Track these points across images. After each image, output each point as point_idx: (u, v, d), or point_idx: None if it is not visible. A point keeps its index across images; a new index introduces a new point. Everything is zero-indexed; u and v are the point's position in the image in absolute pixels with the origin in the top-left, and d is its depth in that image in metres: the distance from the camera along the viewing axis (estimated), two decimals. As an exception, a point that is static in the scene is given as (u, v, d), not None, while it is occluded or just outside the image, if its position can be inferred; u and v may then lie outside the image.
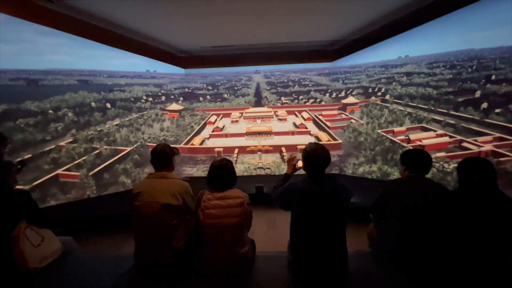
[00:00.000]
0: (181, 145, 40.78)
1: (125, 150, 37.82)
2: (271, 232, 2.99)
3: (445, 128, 39.02)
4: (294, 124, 54.15)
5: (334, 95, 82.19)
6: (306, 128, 48.88)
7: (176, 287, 1.79)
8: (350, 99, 60.54)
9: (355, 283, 1.75)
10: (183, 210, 1.91)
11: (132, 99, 79.69)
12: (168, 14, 1.35)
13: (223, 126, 54.83)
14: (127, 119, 53.13)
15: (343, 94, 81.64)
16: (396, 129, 43.28)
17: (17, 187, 2.07)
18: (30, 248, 1.83)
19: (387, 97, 65.71)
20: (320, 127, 49.96)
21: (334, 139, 39.70)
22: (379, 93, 77.96)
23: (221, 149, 37.45)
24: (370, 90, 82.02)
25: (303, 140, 43.73)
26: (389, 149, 33.59)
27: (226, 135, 46.67)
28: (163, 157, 2.05)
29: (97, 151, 35.66)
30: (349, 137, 42.60)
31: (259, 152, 37.26)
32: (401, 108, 52.05)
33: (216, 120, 60.28)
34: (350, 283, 1.75)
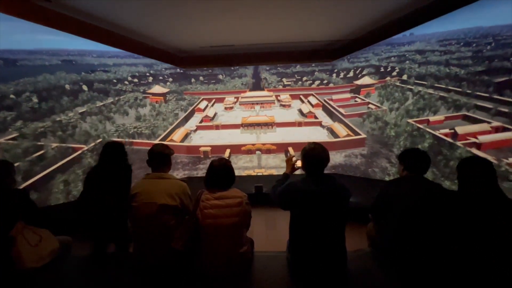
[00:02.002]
0: (157, 141, 29.64)
1: (81, 148, 26.52)
2: (270, 232, 2.90)
3: (495, 117, 30.62)
4: (300, 111, 43.20)
5: (342, 75, 73.13)
6: (315, 117, 38.60)
7: (176, 287, 1.81)
8: (365, 80, 50.87)
9: (355, 282, 1.76)
10: (181, 210, 1.84)
11: (115, 80, 68.98)
12: (167, 14, 1.45)
13: (215, 115, 42.56)
14: (98, 105, 43.88)
15: (351, 74, 72.23)
16: (432, 118, 33.26)
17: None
18: (27, 248, 1.78)
19: (404, 77, 56.46)
20: (333, 116, 38.67)
21: (354, 132, 29.71)
22: (394, 73, 67.78)
23: (208, 149, 27.49)
24: (382, 70, 71.93)
25: (314, 135, 33.18)
26: (434, 149, 23.36)
27: (217, 127, 36.62)
28: (161, 157, 1.90)
29: (40, 152, 26.87)
30: (371, 129, 32.00)
31: (258, 152, 27.30)
32: (430, 91, 43.46)
33: (206, 106, 48.77)
34: (350, 283, 1.75)
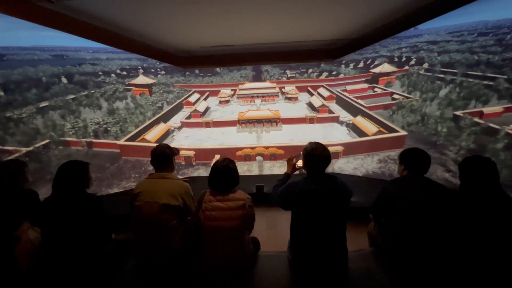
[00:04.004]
0: (122, 141, 21.57)
1: (16, 152, 18.60)
2: (271, 232, 2.89)
3: None
4: (311, 105, 34.00)
5: (351, 66, 66.32)
6: (330, 111, 29.97)
7: (176, 287, 1.80)
8: (385, 67, 43.03)
9: (356, 282, 1.76)
10: (183, 210, 1.84)
11: (100, 73, 63.13)
12: (168, 15, 1.49)
13: (206, 110, 33.40)
14: (67, 98, 36.52)
15: (361, 64, 65.09)
16: (487, 110, 26.69)
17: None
18: (31, 247, 1.79)
19: (425, 65, 49.65)
20: (353, 109, 29.88)
21: (386, 128, 21.56)
22: (412, 62, 61.38)
23: (191, 153, 19.61)
24: (396, 60, 65.04)
25: (331, 133, 24.92)
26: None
27: (208, 124, 27.87)
28: (163, 157, 1.91)
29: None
30: (407, 124, 23.07)
31: (259, 158, 19.89)
32: (467, 79, 36.00)
33: (198, 100, 37.31)
34: (351, 282, 1.76)
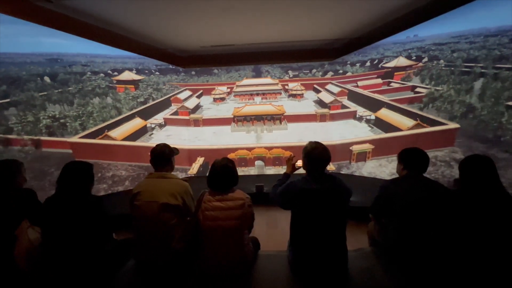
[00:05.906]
0: (76, 139, 15.30)
1: None
2: (271, 231, 2.89)
3: None
4: (320, 102, 26.54)
5: (358, 65, 61.93)
6: (343, 107, 23.34)
7: (176, 287, 1.83)
8: (400, 61, 38.52)
9: (356, 281, 1.77)
10: (183, 210, 1.86)
11: (89, 73, 63.88)
12: (168, 14, 1.51)
13: (197, 107, 25.67)
14: (36, 94, 31.90)
15: (368, 64, 60.63)
16: None
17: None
18: (30, 247, 1.80)
19: (441, 62, 49.29)
20: (371, 104, 22.71)
21: (426, 121, 15.00)
22: (425, 59, 58.76)
23: None
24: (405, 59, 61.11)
25: (348, 130, 18.37)
26: None
27: (197, 123, 21.41)
28: (163, 157, 1.93)
29: None
30: (450, 116, 15.51)
31: (258, 163, 14.43)
32: (504, 71, 31.70)
33: (189, 96, 29.57)
34: (351, 282, 1.77)
